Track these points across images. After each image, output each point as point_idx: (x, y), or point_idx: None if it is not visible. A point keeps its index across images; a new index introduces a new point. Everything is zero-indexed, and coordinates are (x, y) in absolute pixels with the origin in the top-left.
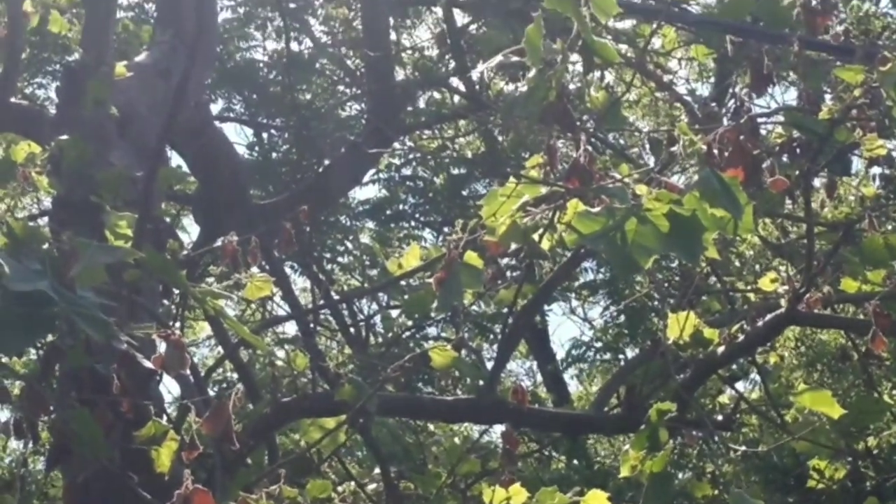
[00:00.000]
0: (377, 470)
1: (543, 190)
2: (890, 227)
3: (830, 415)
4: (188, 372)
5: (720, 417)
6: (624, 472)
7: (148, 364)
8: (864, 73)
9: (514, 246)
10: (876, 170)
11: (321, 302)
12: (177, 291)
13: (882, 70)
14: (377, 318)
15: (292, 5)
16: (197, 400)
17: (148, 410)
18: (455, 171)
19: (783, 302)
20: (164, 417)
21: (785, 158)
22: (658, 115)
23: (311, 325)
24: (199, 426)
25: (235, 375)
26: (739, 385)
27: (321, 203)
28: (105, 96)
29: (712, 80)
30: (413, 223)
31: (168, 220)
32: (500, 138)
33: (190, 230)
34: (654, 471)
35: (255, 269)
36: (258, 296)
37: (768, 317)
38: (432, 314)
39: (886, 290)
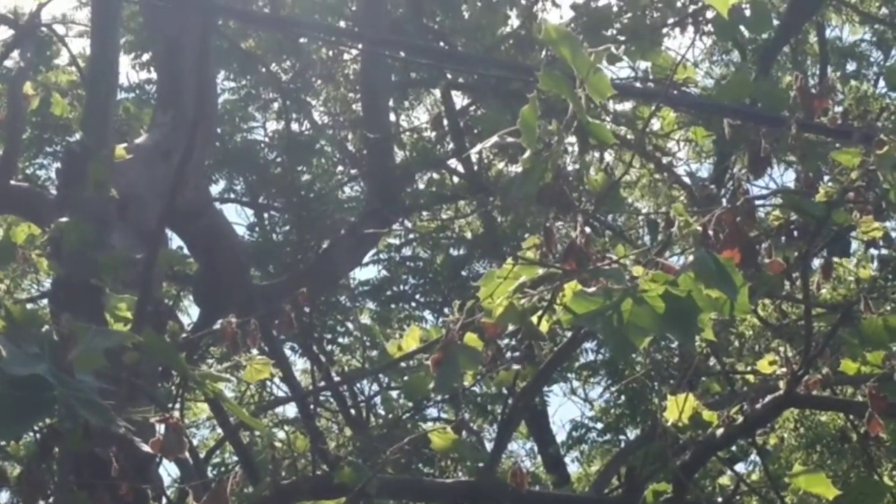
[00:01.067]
0: None
1: (540, 271)
2: (889, 308)
3: (826, 496)
4: (187, 455)
5: (720, 500)
6: None
7: (146, 448)
8: (861, 156)
9: (511, 327)
10: (873, 251)
11: (321, 384)
12: (176, 373)
13: (879, 153)
14: (377, 399)
15: (295, 86)
16: (196, 483)
17: (146, 494)
18: (455, 252)
19: (782, 384)
20: (164, 501)
21: (783, 240)
22: (657, 197)
23: (311, 407)
24: None
25: (235, 458)
26: (739, 466)
27: (321, 285)
28: (105, 178)
29: (711, 161)
30: (413, 304)
31: (168, 301)
32: (499, 220)
33: (190, 311)
34: None
35: (254, 352)
36: (257, 378)
37: (767, 399)
38: (432, 395)
39: (883, 372)
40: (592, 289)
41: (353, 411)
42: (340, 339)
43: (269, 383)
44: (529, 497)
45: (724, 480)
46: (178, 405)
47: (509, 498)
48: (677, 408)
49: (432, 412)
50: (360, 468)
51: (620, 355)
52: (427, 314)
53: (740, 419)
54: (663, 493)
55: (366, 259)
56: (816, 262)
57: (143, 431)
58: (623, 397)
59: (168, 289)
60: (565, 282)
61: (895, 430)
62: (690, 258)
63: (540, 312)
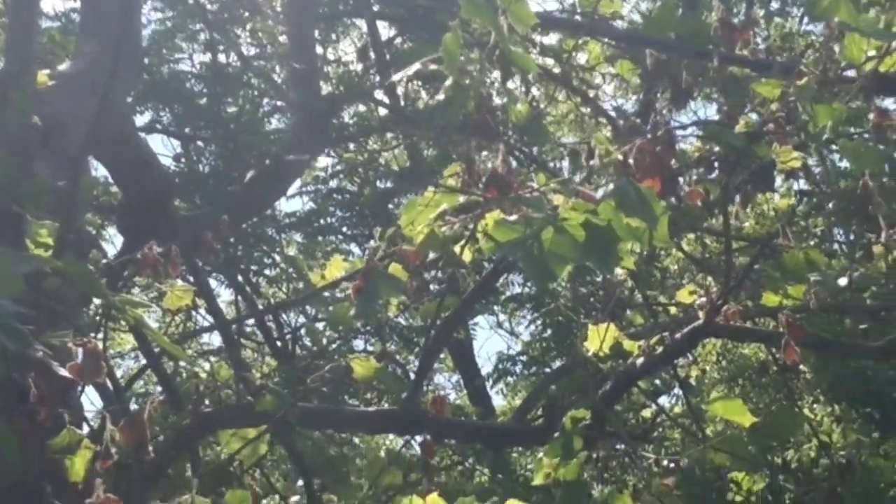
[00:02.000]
0: (300, 482)
1: (462, 199)
2: (812, 244)
3: (742, 423)
4: (107, 381)
5: (640, 430)
6: (538, 479)
7: (63, 372)
8: (782, 88)
9: (432, 255)
10: (794, 183)
11: (245, 313)
12: (98, 301)
13: (798, 84)
14: (303, 332)
15: (221, 17)
16: (116, 409)
17: (65, 419)
18: (381, 185)
19: (701, 314)
20: (85, 427)
21: (704, 173)
22: (583, 131)
23: (235, 337)
24: (115, 435)
25: (159, 388)
26: (662, 400)
27: (245, 214)
28: (29, 106)
29: (638, 97)
30: (340, 237)
31: (92, 230)
32: (425, 153)
33: (115, 241)
34: (567, 478)
35: (178, 282)
36: (179, 304)
37: (686, 329)
38: (358, 326)
39: (801, 303)
40: (513, 217)
41: (278, 343)
42: (266, 271)
43: (193, 315)
44: (449, 425)
45: (648, 413)
46: (101, 334)
47: (430, 426)
48: (598, 338)
49: (358, 344)
50: (281, 396)
51: (540, 283)
52: (353, 247)
53: (660, 349)
54: (581, 419)
55: (292, 191)
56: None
57: (61, 357)
58: (549, 331)
59: (92, 219)
60: (487, 210)
61: (815, 363)
62: (611, 187)
63: (462, 242)
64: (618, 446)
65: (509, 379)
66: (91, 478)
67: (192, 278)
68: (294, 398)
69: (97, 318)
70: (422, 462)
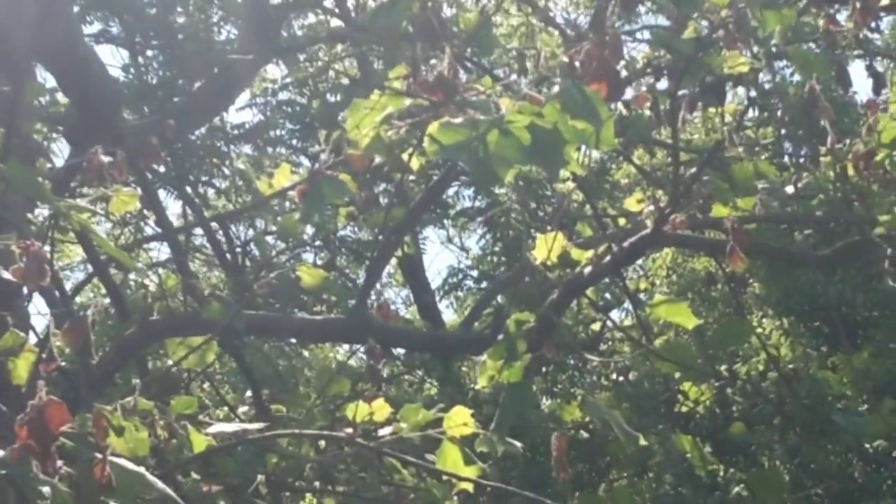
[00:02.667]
0: (249, 393)
1: (407, 102)
2: (763, 157)
3: (686, 325)
4: (52, 286)
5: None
6: (481, 381)
7: (6, 275)
8: None
9: (378, 159)
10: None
11: (192, 222)
12: (45, 211)
13: None
14: (252, 245)
15: None
16: (61, 314)
17: (7, 322)
18: (331, 98)
19: (649, 222)
20: (31, 333)
21: (652, 80)
22: (534, 44)
23: (183, 247)
24: (59, 338)
25: (107, 300)
26: (613, 314)
27: (193, 123)
28: None
29: (590, 11)
30: (289, 149)
31: (39, 140)
32: (375, 65)
33: (64, 155)
34: (511, 380)
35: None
36: (124, 210)
37: (634, 237)
38: (306, 239)
39: (747, 213)
40: (458, 120)
41: (227, 256)
42: (216, 182)
43: (143, 226)
44: (397, 334)
45: (597, 328)
46: (48, 247)
47: (377, 334)
48: (546, 247)
49: (308, 257)
50: (227, 303)
51: (485, 186)
52: (303, 159)
53: (608, 258)
54: (525, 321)
55: (241, 103)
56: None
57: (5, 261)
58: (499, 245)
59: (40, 129)
60: (432, 114)
61: (765, 276)
62: (556, 89)
63: (410, 150)
64: (568, 359)
65: (459, 293)
66: (34, 381)
67: (140, 190)
68: (240, 305)
69: (45, 226)
70: (368, 367)
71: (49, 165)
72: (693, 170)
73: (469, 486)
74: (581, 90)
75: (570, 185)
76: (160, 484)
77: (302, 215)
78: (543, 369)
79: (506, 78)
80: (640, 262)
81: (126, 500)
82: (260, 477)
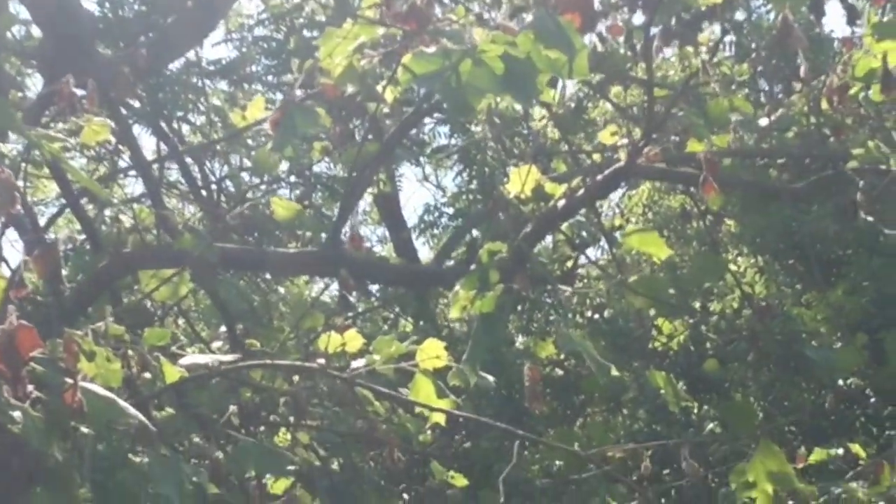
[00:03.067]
0: (223, 328)
1: (380, 31)
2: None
3: (658, 255)
4: (25, 217)
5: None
6: (454, 312)
7: None
8: None
9: (351, 89)
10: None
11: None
12: (18, 144)
13: None
14: (227, 181)
15: None
16: (31, 241)
17: None
18: (308, 34)
19: (623, 155)
20: (3, 265)
21: (626, 12)
22: None
23: (158, 181)
24: (29, 266)
25: (82, 237)
26: (590, 252)
27: (167, 56)
28: None
29: None
30: (265, 86)
31: (12, 73)
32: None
33: (37, 88)
34: (484, 311)
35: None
36: (95, 139)
37: (608, 170)
38: (281, 174)
39: (721, 148)
40: (432, 49)
41: (203, 192)
42: (191, 117)
43: (119, 163)
44: (370, 266)
45: (571, 265)
46: (22, 182)
47: (350, 266)
48: (520, 180)
49: (283, 193)
50: (200, 235)
51: (458, 116)
52: (278, 95)
53: (582, 191)
54: (497, 252)
55: (217, 38)
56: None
57: None
58: (475, 182)
59: (14, 62)
60: (405, 44)
61: (739, 213)
62: (529, 18)
63: (384, 82)
64: (545, 297)
65: (435, 231)
66: (4, 307)
67: (114, 125)
68: (213, 236)
69: (18, 160)
70: (339, 297)
71: (21, 95)
72: (667, 105)
73: (441, 419)
74: (554, 20)
75: (546, 120)
76: (132, 410)
77: (274, 145)
78: (519, 307)
79: (481, 10)
80: (616, 199)
81: (97, 426)
82: (232, 408)
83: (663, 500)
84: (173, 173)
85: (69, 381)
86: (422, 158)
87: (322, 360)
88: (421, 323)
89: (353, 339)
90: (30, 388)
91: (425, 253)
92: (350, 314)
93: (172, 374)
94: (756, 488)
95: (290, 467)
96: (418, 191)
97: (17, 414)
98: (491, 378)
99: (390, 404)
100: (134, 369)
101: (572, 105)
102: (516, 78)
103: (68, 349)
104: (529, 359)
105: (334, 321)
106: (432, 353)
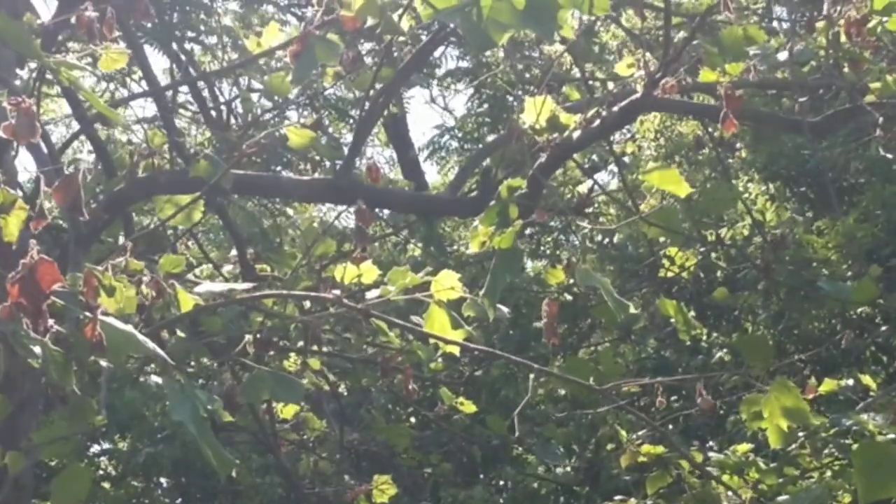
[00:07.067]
0: (234, 252)
1: None
2: (753, 21)
3: (678, 193)
4: (41, 143)
5: (575, 201)
6: (473, 247)
7: None
8: None
9: (371, 21)
10: None
11: (179, 79)
12: (32, 64)
13: None
14: (238, 102)
15: None
16: (50, 171)
17: None
18: None
19: (639, 87)
20: (18, 191)
21: None
22: None
23: (170, 104)
24: (49, 196)
25: (92, 156)
26: (600, 176)
27: None
28: None
29: None
30: (277, 7)
31: None
32: None
33: (52, 9)
34: (502, 246)
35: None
36: (114, 67)
37: (624, 101)
38: (292, 97)
39: (736, 78)
40: None
41: (213, 114)
42: (203, 38)
43: (129, 83)
44: (384, 195)
45: (583, 189)
46: (34, 98)
47: (364, 195)
48: (535, 110)
49: (292, 116)
50: (215, 162)
51: (478, 50)
52: (290, 18)
53: (597, 122)
54: (517, 188)
55: None
56: None
57: None
58: (484, 106)
59: None
60: None
61: (751, 141)
62: None
63: (401, 10)
64: (553, 221)
65: (443, 154)
66: (24, 239)
67: (126, 45)
68: (230, 164)
69: (32, 81)
70: (356, 229)
71: (38, 21)
72: (682, 34)
73: (455, 350)
74: None
75: (559, 47)
76: (150, 343)
77: (294, 76)
78: (528, 231)
79: None
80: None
81: (116, 359)
82: (248, 337)
83: (671, 426)
84: (183, 94)
85: (89, 315)
86: (431, 81)
87: (336, 291)
88: (430, 247)
89: (369, 272)
90: (50, 321)
91: (432, 176)
92: (368, 244)
93: (187, 301)
94: (767, 420)
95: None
96: (426, 113)
97: (37, 348)
98: (506, 309)
99: (402, 333)
100: (148, 296)
101: (584, 29)
102: (537, 12)
103: (88, 284)
104: (539, 285)
105: (347, 250)
106: (447, 284)
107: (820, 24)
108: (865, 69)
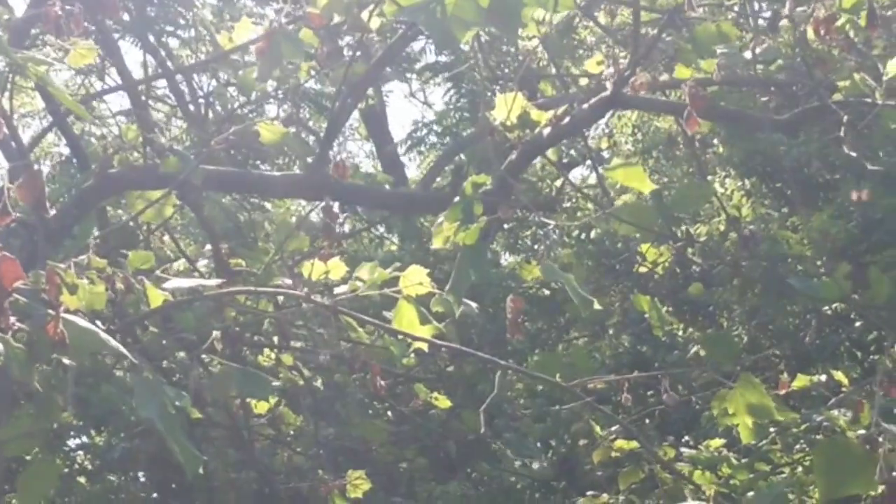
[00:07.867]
0: (208, 247)
1: None
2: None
3: (642, 190)
4: (9, 137)
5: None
6: (437, 243)
7: None
8: None
9: (337, 18)
10: None
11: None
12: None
13: None
14: (214, 96)
15: None
16: (18, 166)
17: None
18: None
19: (609, 84)
20: None
21: None
22: None
23: (143, 98)
24: (14, 192)
25: (67, 151)
26: (576, 172)
27: None
28: None
29: None
30: (255, 1)
31: None
32: None
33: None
34: (467, 242)
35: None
36: (82, 62)
37: (594, 99)
38: (269, 91)
39: (710, 74)
40: None
41: (190, 107)
42: (180, 32)
43: (106, 76)
44: (355, 191)
45: (560, 184)
46: (6, 94)
47: (335, 191)
48: (506, 107)
49: (270, 109)
50: (185, 158)
51: (442, 47)
52: (268, 11)
53: (568, 119)
54: (482, 184)
55: None
56: None
57: None
58: (463, 100)
59: None
60: None
61: (726, 137)
62: None
63: (370, 8)
64: (528, 217)
65: (422, 148)
66: None
67: (100, 37)
68: (198, 160)
69: (4, 77)
70: (323, 225)
71: (7, 16)
72: (654, 31)
73: (424, 346)
74: None
75: (534, 42)
76: (113, 342)
77: (259, 73)
78: (507, 226)
79: None
80: (604, 121)
81: (79, 357)
82: (216, 333)
83: (647, 421)
84: (160, 88)
85: (51, 312)
86: (409, 75)
87: (307, 289)
88: (407, 243)
89: (337, 268)
90: (12, 319)
91: (413, 171)
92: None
93: (157, 297)
94: (734, 416)
95: (273, 389)
96: (405, 107)
97: None
98: (474, 305)
99: (374, 329)
100: (119, 292)
101: (561, 26)
102: (501, 10)
103: (50, 281)
104: (514, 280)
105: (319, 245)
106: (415, 279)
107: (784, 23)
108: (837, 66)
